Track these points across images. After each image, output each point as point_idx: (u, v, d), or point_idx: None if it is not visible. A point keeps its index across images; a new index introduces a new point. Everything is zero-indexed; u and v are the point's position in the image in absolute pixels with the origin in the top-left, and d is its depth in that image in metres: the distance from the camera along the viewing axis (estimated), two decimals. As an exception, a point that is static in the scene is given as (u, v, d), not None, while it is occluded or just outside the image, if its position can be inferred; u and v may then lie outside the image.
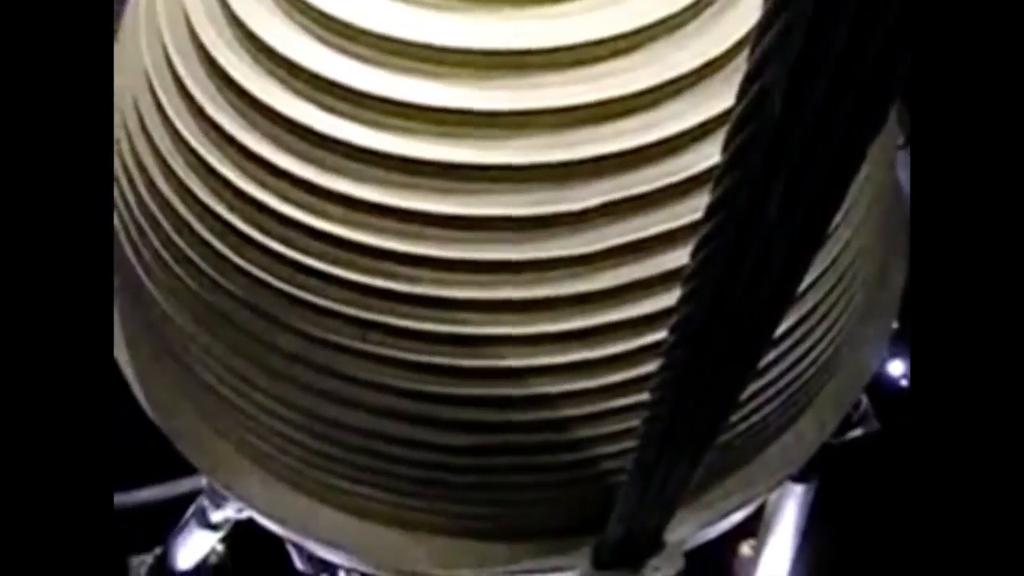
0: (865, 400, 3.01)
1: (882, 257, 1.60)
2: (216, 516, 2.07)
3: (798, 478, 2.22)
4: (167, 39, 1.36)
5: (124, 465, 1.35)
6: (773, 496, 2.28)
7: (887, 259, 1.63)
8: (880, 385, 2.19)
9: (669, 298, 1.07)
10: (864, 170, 1.36)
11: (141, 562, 2.60)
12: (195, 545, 2.38)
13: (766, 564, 2.58)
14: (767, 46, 0.60)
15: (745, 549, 2.92)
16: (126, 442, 1.36)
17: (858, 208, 1.38)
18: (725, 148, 0.68)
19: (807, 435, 1.60)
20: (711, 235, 0.75)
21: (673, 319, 0.88)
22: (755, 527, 2.54)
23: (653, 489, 1.19)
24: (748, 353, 0.94)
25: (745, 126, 0.65)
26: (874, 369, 1.68)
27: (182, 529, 2.36)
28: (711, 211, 0.74)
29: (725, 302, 0.82)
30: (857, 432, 3.00)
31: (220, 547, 2.73)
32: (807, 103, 0.62)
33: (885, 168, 1.49)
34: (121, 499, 2.49)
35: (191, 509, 2.23)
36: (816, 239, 0.77)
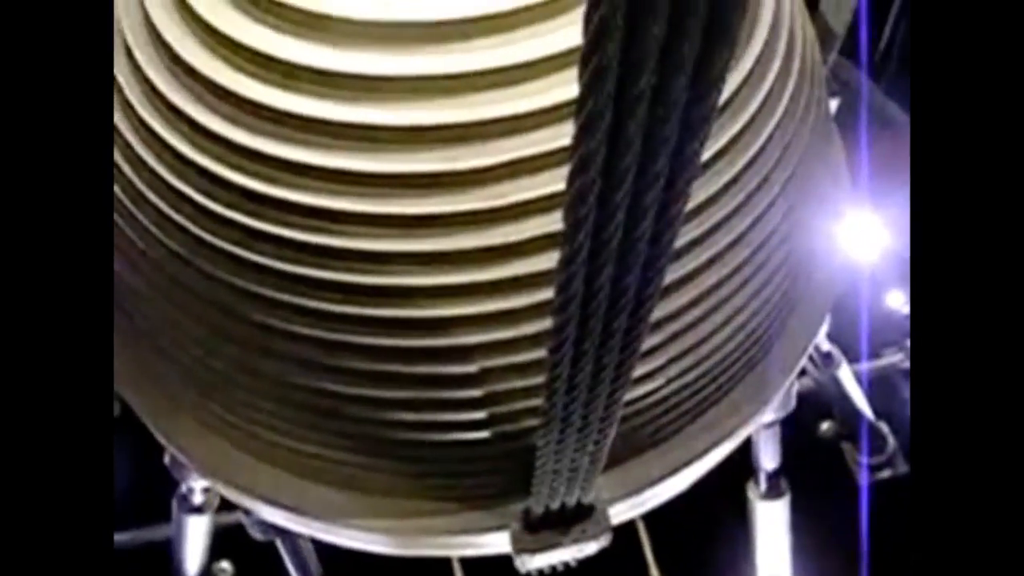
0: (893, 441, 3.03)
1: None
2: (195, 496, 2.14)
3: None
4: (126, 30, 1.47)
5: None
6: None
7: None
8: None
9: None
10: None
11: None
12: (193, 538, 2.43)
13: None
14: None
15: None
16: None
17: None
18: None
19: (741, 406, 1.64)
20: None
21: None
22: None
23: (564, 459, 1.25)
24: (634, 312, 0.96)
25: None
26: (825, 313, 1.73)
27: (177, 528, 2.41)
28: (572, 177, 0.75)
29: (600, 265, 0.84)
30: (886, 474, 3.01)
31: (228, 566, 2.82)
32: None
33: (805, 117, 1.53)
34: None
35: (174, 505, 2.29)
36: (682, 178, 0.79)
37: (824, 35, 2.27)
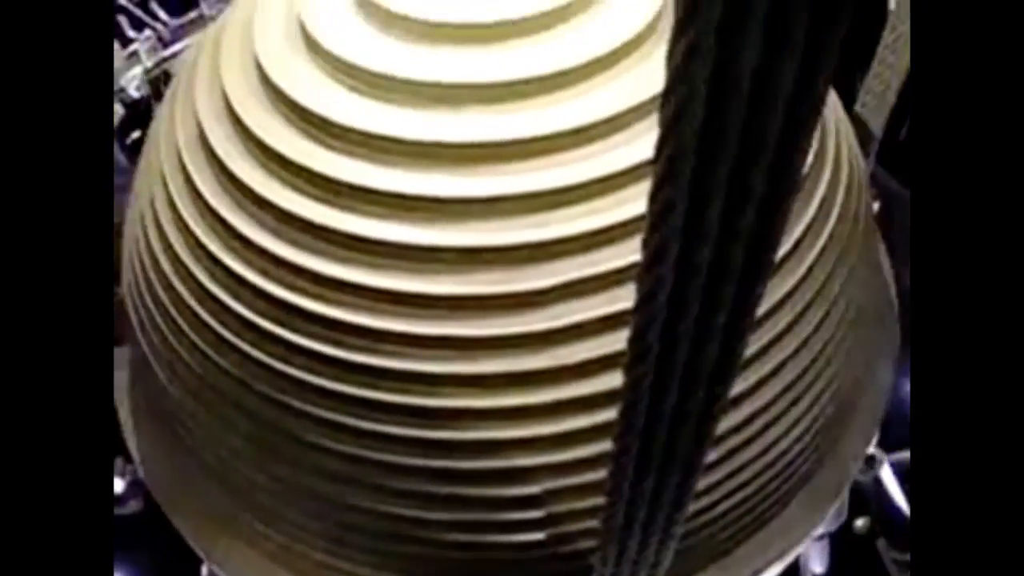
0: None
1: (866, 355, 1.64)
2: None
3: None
4: (180, 141, 1.49)
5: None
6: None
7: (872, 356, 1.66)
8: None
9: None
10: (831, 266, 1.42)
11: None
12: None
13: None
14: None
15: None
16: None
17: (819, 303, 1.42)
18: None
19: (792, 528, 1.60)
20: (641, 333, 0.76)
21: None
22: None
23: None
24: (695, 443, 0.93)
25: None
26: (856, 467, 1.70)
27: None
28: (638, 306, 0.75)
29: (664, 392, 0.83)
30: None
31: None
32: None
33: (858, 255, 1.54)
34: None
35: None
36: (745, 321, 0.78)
37: (863, 137, 2.27)
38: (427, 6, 1.34)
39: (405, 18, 1.34)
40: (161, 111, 1.68)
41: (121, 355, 1.83)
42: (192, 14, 3.62)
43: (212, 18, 3.42)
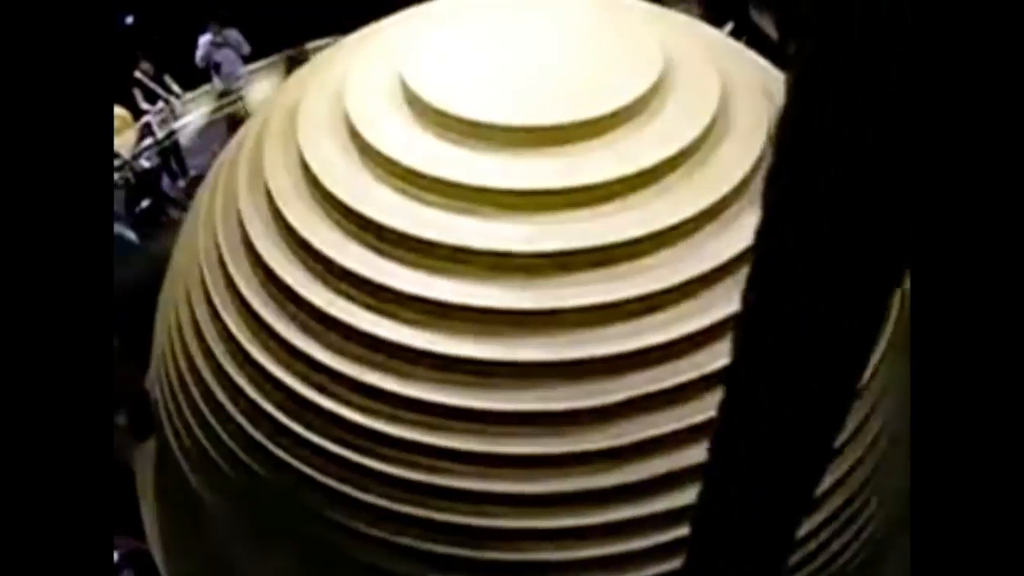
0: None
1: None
2: None
3: None
4: (220, 237, 1.45)
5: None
6: None
7: None
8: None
9: (695, 493, 1.08)
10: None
11: None
12: None
13: None
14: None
15: None
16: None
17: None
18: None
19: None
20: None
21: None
22: None
23: None
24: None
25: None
26: None
27: None
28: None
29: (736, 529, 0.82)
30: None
31: None
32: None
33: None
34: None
35: None
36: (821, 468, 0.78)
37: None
38: (487, 108, 1.33)
39: (461, 120, 1.33)
40: (198, 204, 1.65)
41: (146, 450, 1.78)
42: (204, 87, 3.63)
43: (225, 93, 3.42)
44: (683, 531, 1.19)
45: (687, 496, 1.21)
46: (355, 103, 1.44)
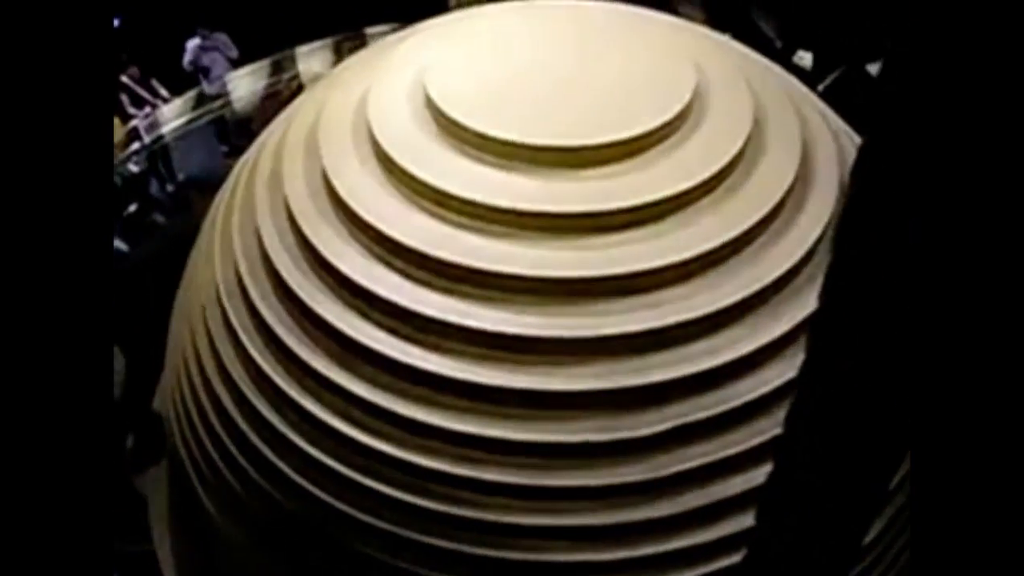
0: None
1: None
2: None
3: None
4: (239, 259, 1.42)
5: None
6: None
7: None
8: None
9: (734, 524, 1.07)
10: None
11: None
12: None
13: None
14: None
15: None
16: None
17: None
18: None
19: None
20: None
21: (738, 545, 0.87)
22: None
23: None
24: None
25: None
26: None
27: None
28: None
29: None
30: None
31: None
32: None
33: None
34: None
35: None
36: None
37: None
38: (520, 127, 1.31)
39: (493, 140, 1.30)
40: (212, 219, 1.61)
41: (156, 476, 1.75)
42: (191, 92, 3.58)
43: (213, 97, 3.38)
44: (723, 562, 1.18)
45: (724, 528, 1.20)
46: (380, 123, 1.41)
